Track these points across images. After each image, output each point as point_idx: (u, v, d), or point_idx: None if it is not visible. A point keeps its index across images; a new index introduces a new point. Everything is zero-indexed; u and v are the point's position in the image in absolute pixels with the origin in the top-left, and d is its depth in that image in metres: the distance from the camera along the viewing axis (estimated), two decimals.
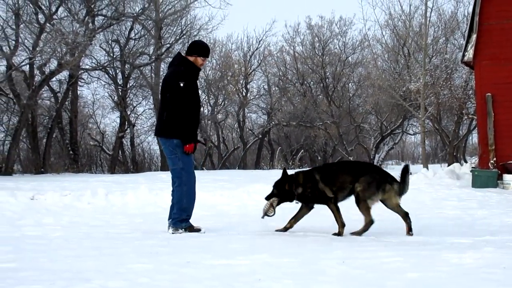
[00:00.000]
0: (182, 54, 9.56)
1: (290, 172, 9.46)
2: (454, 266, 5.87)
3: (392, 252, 6.73)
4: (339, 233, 8.85)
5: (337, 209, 9.01)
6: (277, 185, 9.29)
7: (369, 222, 8.88)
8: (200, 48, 9.38)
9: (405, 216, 9.08)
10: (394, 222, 10.35)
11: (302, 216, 9.28)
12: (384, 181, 9.04)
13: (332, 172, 9.23)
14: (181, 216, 9.07)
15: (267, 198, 9.25)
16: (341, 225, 8.92)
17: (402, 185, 9.10)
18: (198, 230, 9.11)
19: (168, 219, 9.29)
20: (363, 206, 8.91)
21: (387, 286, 5.08)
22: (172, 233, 8.99)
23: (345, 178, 9.08)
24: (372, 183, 8.95)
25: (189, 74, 9.14)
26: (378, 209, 9.13)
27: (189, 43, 9.62)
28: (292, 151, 45.90)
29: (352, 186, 9.01)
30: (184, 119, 8.98)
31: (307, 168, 9.86)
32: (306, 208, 9.29)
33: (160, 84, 10.03)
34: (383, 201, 9.12)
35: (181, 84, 8.93)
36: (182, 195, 9.13)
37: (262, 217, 9.23)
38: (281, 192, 9.18)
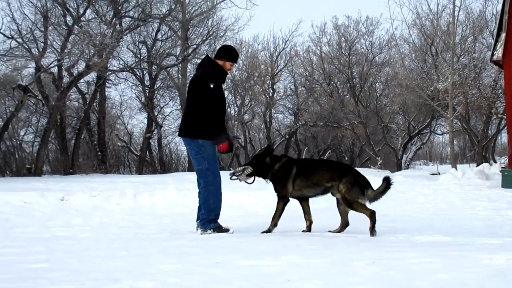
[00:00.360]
0: (210, 56, 9.63)
1: None
2: (485, 267, 5.80)
3: (421, 253, 6.67)
4: (268, 230, 9.15)
5: (283, 209, 9.19)
6: (257, 156, 9.49)
7: (371, 214, 8.86)
8: (229, 53, 9.43)
9: (346, 225, 9.22)
10: (422, 220, 10.32)
11: (309, 208, 9.37)
12: (364, 185, 9.11)
13: (311, 168, 9.34)
14: (209, 216, 9.10)
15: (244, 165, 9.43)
16: (274, 224, 9.17)
17: (377, 193, 9.13)
18: (227, 230, 9.13)
19: (196, 220, 9.31)
20: (357, 205, 8.96)
21: (418, 287, 5.03)
22: (201, 234, 9.01)
23: (322, 176, 9.14)
24: (355, 185, 9.01)
25: (218, 76, 9.18)
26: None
27: (218, 47, 9.68)
28: (319, 151, 45.81)
29: (331, 185, 9.08)
30: (213, 119, 9.00)
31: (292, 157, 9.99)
32: (305, 201, 9.35)
33: (187, 85, 10.06)
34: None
35: (211, 86, 8.97)
36: (209, 196, 9.14)
37: (230, 177, 9.34)
38: (259, 165, 9.26)
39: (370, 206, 9.07)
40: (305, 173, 9.15)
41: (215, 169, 9.23)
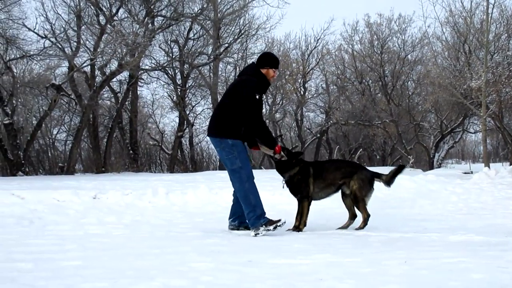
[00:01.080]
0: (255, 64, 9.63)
1: None
2: None
3: (454, 253, 6.63)
4: (299, 230, 9.26)
5: (309, 208, 9.31)
6: (289, 153, 9.52)
7: (367, 217, 9.41)
8: (272, 60, 9.43)
9: (354, 216, 9.58)
10: (455, 220, 10.24)
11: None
12: (373, 177, 9.59)
13: (325, 169, 9.56)
14: (255, 213, 8.93)
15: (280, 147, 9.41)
16: (304, 223, 9.28)
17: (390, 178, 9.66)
18: (278, 221, 8.88)
19: (229, 219, 9.35)
20: (362, 204, 9.40)
21: (451, 286, 5.00)
22: (255, 235, 8.79)
23: (336, 175, 9.44)
24: (366, 180, 9.44)
25: (261, 87, 9.20)
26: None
27: (259, 56, 9.66)
28: (350, 150, 45.66)
29: (343, 183, 9.42)
30: (262, 126, 9.13)
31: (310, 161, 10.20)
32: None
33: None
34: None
35: (257, 96, 9.01)
36: (246, 193, 9.03)
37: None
38: (287, 159, 9.38)
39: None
40: (320, 175, 9.40)
41: (248, 167, 9.19)
